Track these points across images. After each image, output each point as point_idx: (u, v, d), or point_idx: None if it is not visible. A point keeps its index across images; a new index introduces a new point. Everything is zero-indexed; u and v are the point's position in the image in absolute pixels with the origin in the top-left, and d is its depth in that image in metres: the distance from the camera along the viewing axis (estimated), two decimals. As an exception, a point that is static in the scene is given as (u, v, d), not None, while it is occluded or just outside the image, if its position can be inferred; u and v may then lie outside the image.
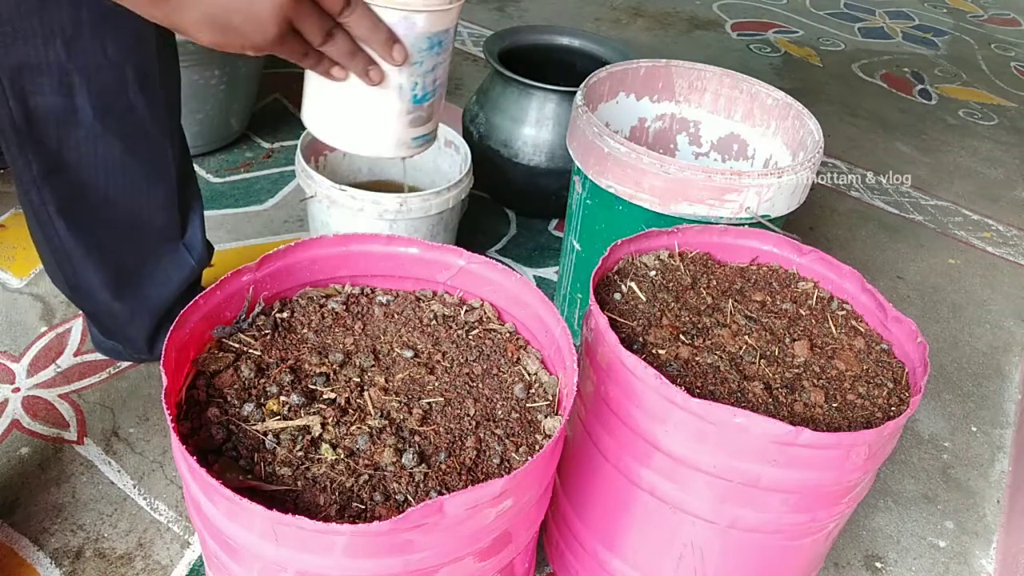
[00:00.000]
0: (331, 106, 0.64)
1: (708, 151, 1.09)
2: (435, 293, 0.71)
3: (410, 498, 0.53)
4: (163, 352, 0.54)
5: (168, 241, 0.88)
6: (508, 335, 0.68)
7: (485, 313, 0.70)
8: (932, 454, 1.05)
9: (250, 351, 0.62)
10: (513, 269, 0.68)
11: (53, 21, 0.69)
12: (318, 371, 0.62)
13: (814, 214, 1.48)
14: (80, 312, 1.05)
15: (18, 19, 0.68)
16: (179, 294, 0.91)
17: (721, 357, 0.66)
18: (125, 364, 1.00)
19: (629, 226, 0.83)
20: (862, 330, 0.72)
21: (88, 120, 0.74)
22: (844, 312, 0.74)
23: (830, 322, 0.72)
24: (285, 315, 0.66)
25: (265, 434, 0.56)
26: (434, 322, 0.68)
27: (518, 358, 0.66)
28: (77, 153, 0.76)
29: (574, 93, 0.95)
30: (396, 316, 0.68)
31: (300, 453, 0.55)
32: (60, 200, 0.79)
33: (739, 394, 0.63)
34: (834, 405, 0.64)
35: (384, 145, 0.65)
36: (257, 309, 0.65)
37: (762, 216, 0.85)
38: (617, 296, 0.72)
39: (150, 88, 0.77)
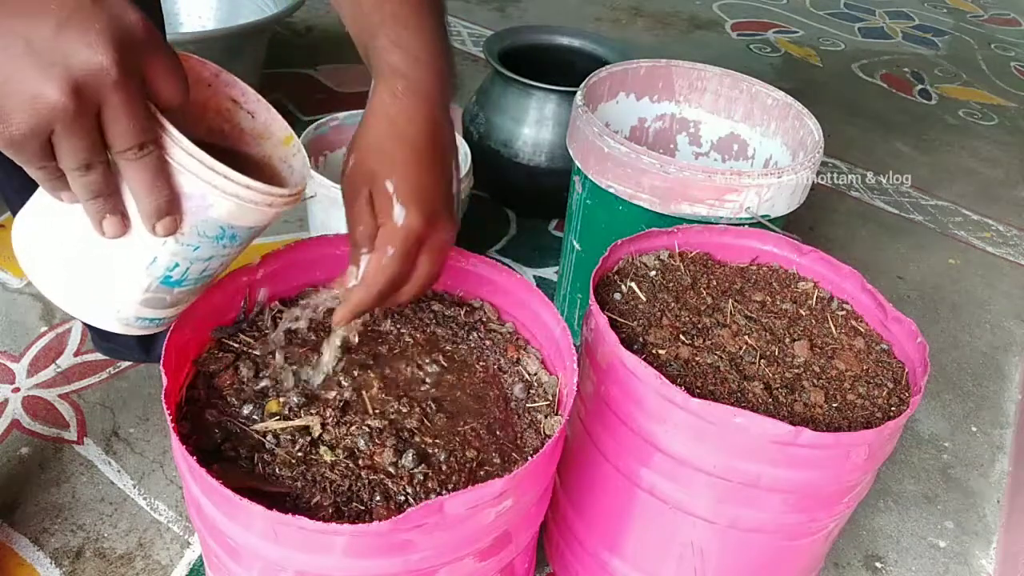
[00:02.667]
0: (50, 237, 0.47)
1: (708, 151, 1.09)
2: (435, 293, 0.71)
3: (410, 498, 0.53)
4: (163, 352, 0.54)
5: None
6: (508, 335, 0.68)
7: (485, 313, 0.70)
8: (932, 454, 1.05)
9: (250, 351, 0.62)
10: (513, 269, 0.68)
11: None
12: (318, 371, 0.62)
13: (814, 214, 1.48)
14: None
15: None
16: None
17: (721, 357, 0.66)
18: (125, 364, 1.00)
19: (629, 226, 0.83)
20: (862, 330, 0.72)
21: None
22: (844, 312, 0.74)
23: (830, 322, 0.72)
24: (285, 315, 0.66)
25: (265, 434, 0.56)
26: (434, 322, 0.68)
27: (518, 358, 0.66)
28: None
29: (574, 93, 0.95)
30: (396, 316, 0.68)
31: (300, 453, 0.55)
32: None
33: (739, 394, 0.63)
34: (834, 405, 0.64)
35: (97, 311, 0.49)
36: (257, 309, 0.65)
37: (762, 216, 0.85)
38: (617, 296, 0.72)
39: None
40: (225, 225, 0.47)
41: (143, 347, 0.94)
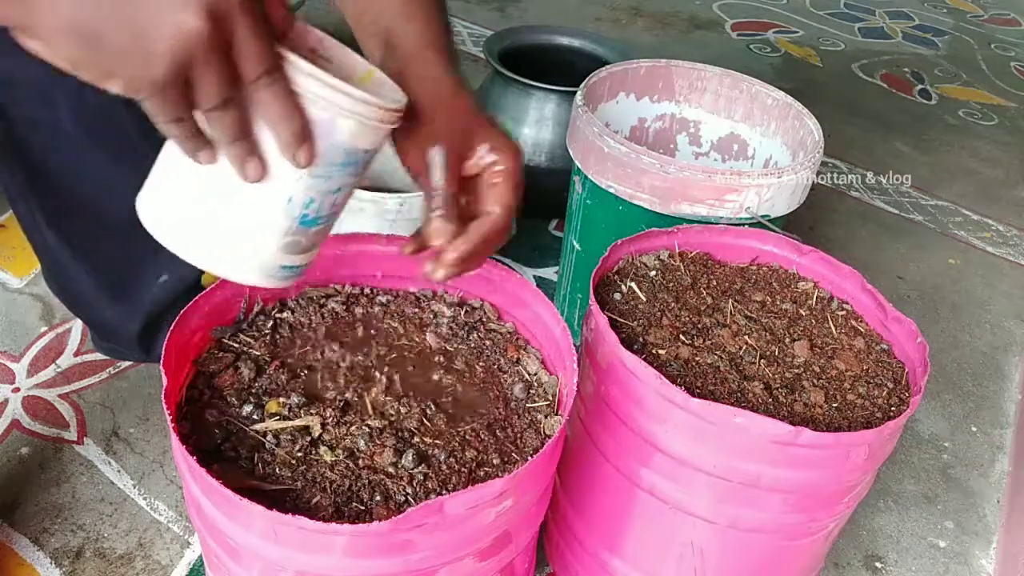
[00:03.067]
0: (183, 199, 0.48)
1: (708, 151, 1.09)
2: (435, 293, 0.71)
3: (410, 498, 0.53)
4: (163, 352, 0.54)
5: (161, 246, 0.88)
6: (508, 335, 0.68)
7: (485, 313, 0.70)
8: (932, 454, 1.05)
9: (250, 351, 0.62)
10: (513, 269, 0.68)
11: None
12: (318, 371, 0.62)
13: (814, 214, 1.48)
14: (80, 312, 1.05)
15: (1, 33, 0.67)
16: (174, 298, 0.91)
17: (721, 357, 0.66)
18: (125, 364, 1.00)
19: (629, 226, 0.83)
20: (862, 330, 0.72)
21: (71, 132, 0.73)
22: (844, 312, 0.74)
23: (830, 322, 0.72)
24: (285, 315, 0.66)
25: (265, 434, 0.56)
26: (434, 322, 0.68)
27: (518, 358, 0.66)
28: (61, 164, 0.76)
29: (574, 93, 0.95)
30: (396, 316, 0.68)
31: (300, 453, 0.55)
32: (48, 209, 0.78)
33: (739, 394, 0.63)
34: (834, 405, 0.64)
35: (240, 266, 0.49)
36: (257, 309, 0.65)
37: (762, 216, 0.85)
38: (617, 296, 0.72)
39: (135, 101, 0.76)
40: (349, 149, 0.47)
41: (143, 347, 0.94)
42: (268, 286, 0.51)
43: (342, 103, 0.45)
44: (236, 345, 0.62)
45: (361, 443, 0.56)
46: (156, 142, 0.83)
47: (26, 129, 0.73)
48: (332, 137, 0.46)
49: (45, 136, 0.73)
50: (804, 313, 0.73)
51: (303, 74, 0.43)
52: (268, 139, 0.44)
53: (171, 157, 0.47)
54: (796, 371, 0.67)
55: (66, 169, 0.76)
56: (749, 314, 0.72)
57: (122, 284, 0.87)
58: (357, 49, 0.57)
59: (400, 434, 0.57)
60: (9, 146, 0.73)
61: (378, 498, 0.53)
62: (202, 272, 0.94)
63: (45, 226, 0.79)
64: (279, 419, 0.57)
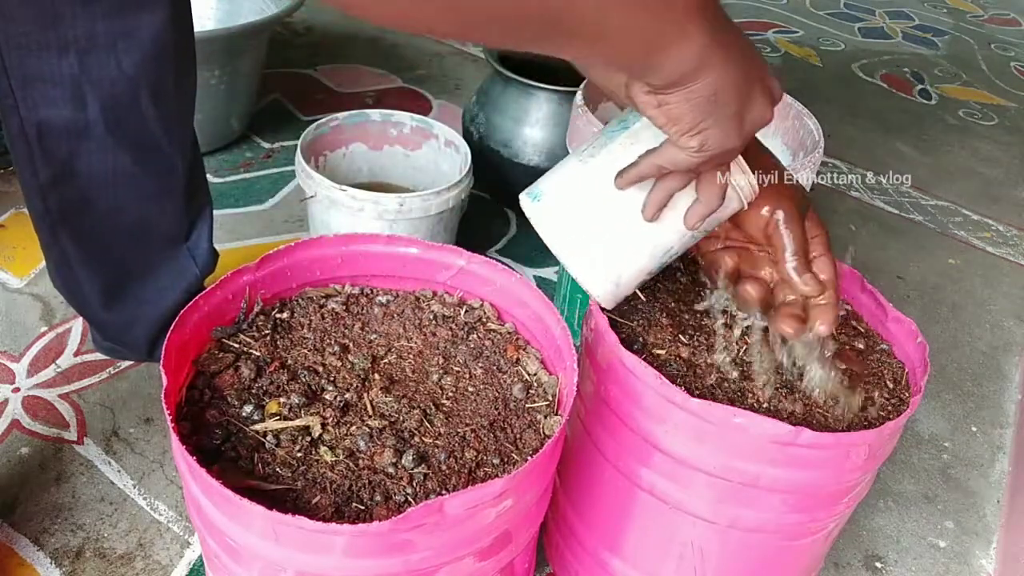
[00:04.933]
0: (590, 213, 0.56)
1: (708, 151, 1.09)
2: (435, 293, 0.71)
3: (410, 498, 0.53)
4: (163, 352, 0.54)
5: (173, 248, 0.88)
6: (508, 335, 0.68)
7: (485, 313, 0.70)
8: (932, 454, 1.05)
9: (250, 351, 0.62)
10: (513, 269, 0.68)
11: (68, 34, 0.68)
12: (318, 371, 0.62)
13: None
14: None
15: (34, 31, 0.68)
16: (179, 301, 0.91)
17: (721, 357, 0.66)
18: (125, 364, 1.00)
19: (629, 226, 0.83)
20: (862, 330, 0.72)
21: (99, 132, 0.74)
22: (844, 312, 0.74)
23: (830, 322, 0.72)
24: (285, 315, 0.66)
25: (265, 434, 0.56)
26: (434, 322, 0.68)
27: (518, 358, 0.66)
28: (87, 164, 0.76)
29: (574, 93, 0.95)
30: (396, 316, 0.68)
31: (300, 454, 0.55)
32: (65, 208, 0.79)
33: (739, 394, 0.63)
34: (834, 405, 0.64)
35: (608, 285, 0.58)
36: (257, 309, 0.65)
37: (762, 216, 0.85)
38: (617, 296, 0.72)
39: (163, 102, 0.77)
40: (723, 220, 0.57)
41: (150, 344, 0.93)
42: (604, 303, 0.60)
43: (743, 187, 0.54)
44: (236, 345, 0.62)
45: (361, 443, 0.56)
46: (180, 146, 0.83)
47: (55, 128, 0.73)
48: (722, 212, 0.55)
49: (72, 135, 0.74)
50: (804, 313, 0.73)
51: (739, 170, 0.54)
52: (685, 198, 0.54)
53: (594, 182, 0.55)
54: (796, 371, 0.67)
55: (90, 168, 0.77)
56: (749, 314, 0.72)
57: (128, 286, 0.87)
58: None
59: (400, 434, 0.57)
60: (38, 143, 0.74)
61: (378, 498, 0.53)
62: (205, 278, 0.94)
63: (60, 223, 0.80)
64: (279, 419, 0.57)
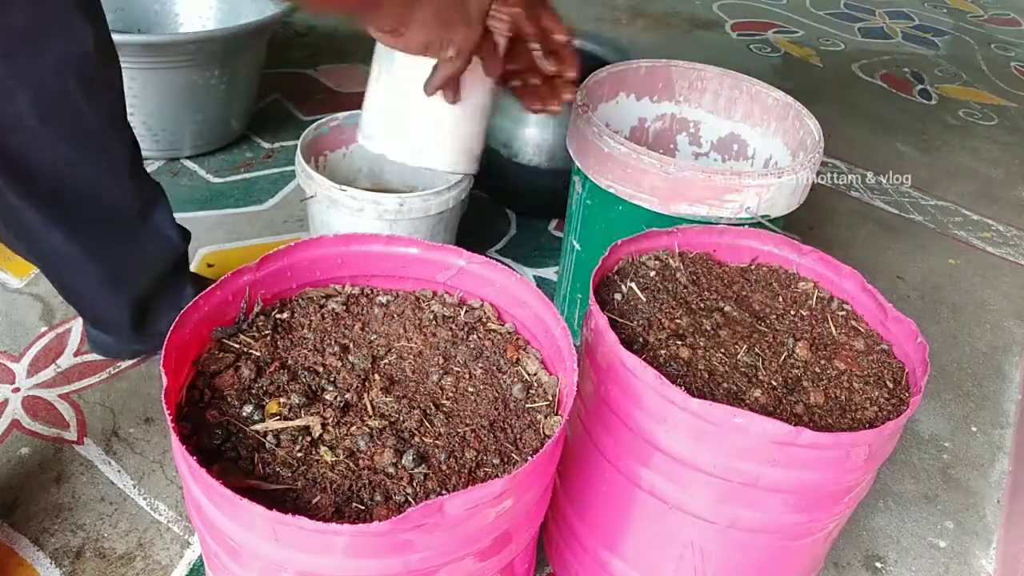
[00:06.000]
0: (405, 116, 0.74)
1: (708, 151, 1.09)
2: (435, 293, 0.71)
3: (410, 498, 0.53)
4: (163, 352, 0.54)
5: (139, 230, 0.89)
6: (508, 335, 0.68)
7: (485, 313, 0.70)
8: (932, 454, 1.05)
9: (250, 352, 0.62)
10: (513, 269, 0.68)
11: None
12: (318, 372, 0.62)
13: (814, 214, 1.48)
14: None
15: None
16: (158, 278, 0.92)
17: (721, 357, 0.66)
18: (125, 364, 1.00)
19: (629, 226, 0.83)
20: (862, 330, 0.72)
21: (33, 124, 0.75)
22: (844, 312, 0.74)
23: (830, 322, 0.72)
24: (285, 316, 0.66)
25: (265, 435, 0.56)
26: (434, 322, 0.68)
27: (518, 358, 0.66)
28: (28, 155, 0.77)
29: (574, 93, 0.95)
30: (396, 316, 0.68)
31: (300, 454, 0.55)
32: (31, 200, 0.79)
33: (739, 394, 0.64)
34: (834, 405, 0.64)
35: (444, 155, 0.77)
36: (257, 309, 0.65)
37: (762, 216, 0.85)
38: (617, 296, 0.72)
39: (95, 93, 0.78)
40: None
41: (133, 328, 0.93)
42: (469, 169, 0.81)
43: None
44: (236, 346, 0.62)
45: (361, 443, 0.56)
46: (118, 133, 0.86)
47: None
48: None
49: (7, 129, 0.75)
50: (804, 313, 0.73)
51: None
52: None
53: (397, 91, 0.73)
54: (796, 371, 0.67)
55: (33, 159, 0.77)
56: (749, 314, 0.72)
57: (108, 267, 0.88)
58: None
59: (400, 434, 0.57)
60: None
61: (378, 498, 0.53)
62: (184, 246, 0.94)
63: (33, 215, 0.80)
64: (279, 419, 0.57)
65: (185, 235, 0.95)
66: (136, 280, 0.90)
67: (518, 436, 0.59)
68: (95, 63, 0.77)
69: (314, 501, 0.52)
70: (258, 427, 0.56)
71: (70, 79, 0.75)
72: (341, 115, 1.16)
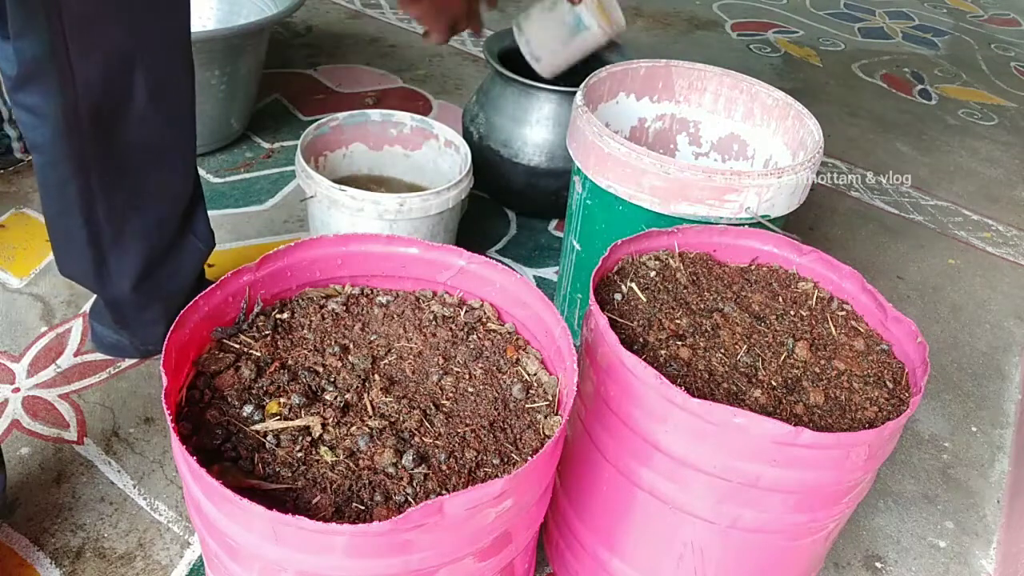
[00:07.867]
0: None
1: (708, 151, 1.09)
2: (435, 293, 0.71)
3: (410, 499, 0.53)
4: (163, 352, 0.54)
5: (184, 227, 0.91)
6: (508, 335, 0.68)
7: (485, 313, 0.70)
8: (932, 454, 1.05)
9: (250, 352, 0.62)
10: (513, 269, 0.68)
11: (122, 5, 0.72)
12: (318, 372, 0.62)
13: (814, 214, 1.48)
14: (80, 312, 1.05)
15: (91, 2, 0.71)
16: (191, 282, 0.93)
17: (721, 357, 0.66)
18: (125, 364, 1.00)
19: (629, 226, 0.83)
20: (862, 330, 0.72)
21: (142, 101, 0.77)
22: (844, 312, 0.74)
23: (830, 322, 0.72)
24: (285, 316, 0.66)
25: (265, 435, 0.56)
26: (434, 323, 0.68)
27: (518, 358, 0.66)
28: (127, 135, 0.79)
29: (574, 93, 0.95)
30: (396, 317, 0.68)
31: (300, 454, 0.55)
32: (104, 184, 0.80)
33: (739, 394, 0.63)
34: (834, 405, 0.64)
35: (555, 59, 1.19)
36: (257, 309, 0.65)
37: (762, 216, 0.85)
38: (617, 296, 0.72)
39: (190, 71, 0.82)
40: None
41: (164, 328, 0.94)
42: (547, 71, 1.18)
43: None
44: (236, 346, 0.62)
45: (361, 443, 0.56)
46: (193, 120, 0.87)
47: (105, 97, 0.76)
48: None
49: (119, 104, 0.77)
50: (804, 313, 0.73)
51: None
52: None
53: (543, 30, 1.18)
54: (796, 371, 0.67)
55: (129, 139, 0.79)
56: (749, 314, 0.72)
57: (150, 265, 0.89)
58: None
59: (400, 434, 0.57)
60: (88, 114, 0.75)
61: (378, 498, 0.53)
62: (209, 253, 0.95)
63: (100, 199, 0.81)
64: (279, 419, 0.57)
65: (213, 236, 0.96)
66: (174, 283, 0.92)
67: (518, 436, 0.59)
68: (190, 46, 0.81)
69: (314, 501, 0.52)
70: (258, 427, 0.56)
71: (178, 57, 0.79)
72: (341, 115, 1.16)
